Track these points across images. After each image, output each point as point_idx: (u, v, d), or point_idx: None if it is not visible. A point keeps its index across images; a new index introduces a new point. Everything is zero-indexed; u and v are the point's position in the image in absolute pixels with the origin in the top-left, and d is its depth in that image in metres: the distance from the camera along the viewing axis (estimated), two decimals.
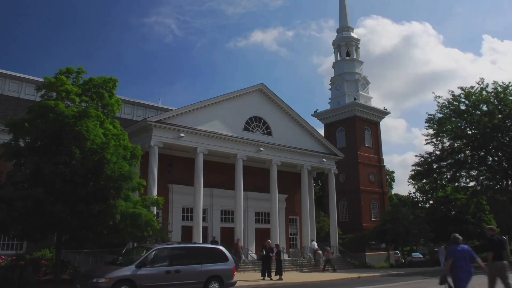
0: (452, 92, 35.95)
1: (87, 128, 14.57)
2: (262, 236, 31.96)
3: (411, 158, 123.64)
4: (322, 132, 44.20)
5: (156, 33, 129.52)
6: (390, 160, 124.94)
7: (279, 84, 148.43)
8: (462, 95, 35.46)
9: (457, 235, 10.16)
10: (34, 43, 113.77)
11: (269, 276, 21.56)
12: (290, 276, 23.74)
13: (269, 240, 24.44)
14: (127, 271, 12.33)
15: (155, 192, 23.94)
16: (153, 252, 13.13)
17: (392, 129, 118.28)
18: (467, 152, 36.90)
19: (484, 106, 34.71)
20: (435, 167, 37.88)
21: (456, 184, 38.48)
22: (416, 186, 44.33)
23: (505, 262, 10.75)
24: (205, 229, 27.66)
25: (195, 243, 18.20)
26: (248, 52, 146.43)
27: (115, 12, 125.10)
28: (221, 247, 15.38)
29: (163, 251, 13.53)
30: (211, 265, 14.03)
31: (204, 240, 26.87)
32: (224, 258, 14.62)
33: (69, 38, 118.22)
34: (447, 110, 36.06)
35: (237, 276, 22.21)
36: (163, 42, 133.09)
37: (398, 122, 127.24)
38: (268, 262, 21.88)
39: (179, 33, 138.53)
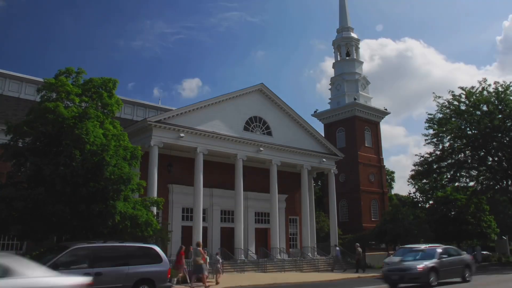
0: (453, 92, 35.97)
1: (87, 131, 14.59)
2: (262, 236, 32.02)
3: (403, 160, 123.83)
4: (322, 132, 44.21)
5: (143, 57, 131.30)
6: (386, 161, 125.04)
7: (278, 84, 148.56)
8: (463, 95, 35.46)
9: None
10: (34, 43, 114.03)
11: None
12: (290, 276, 23.76)
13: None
14: None
15: (155, 192, 23.94)
16: (69, 252, 11.34)
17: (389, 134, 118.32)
18: (467, 152, 36.92)
19: (485, 106, 34.70)
20: (435, 167, 37.88)
21: (456, 184, 38.50)
22: (416, 186, 44.38)
23: None
24: (205, 229, 27.65)
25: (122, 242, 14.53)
26: (242, 59, 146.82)
27: (105, 30, 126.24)
28: (154, 246, 13.56)
29: (82, 250, 11.78)
30: (141, 267, 12.35)
31: (204, 240, 26.88)
32: (158, 259, 12.86)
33: (67, 39, 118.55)
34: (447, 110, 36.05)
35: (236, 276, 22.22)
36: (150, 65, 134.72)
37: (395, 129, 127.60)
38: None
39: (164, 59, 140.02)
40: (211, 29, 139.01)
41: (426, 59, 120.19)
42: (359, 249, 28.93)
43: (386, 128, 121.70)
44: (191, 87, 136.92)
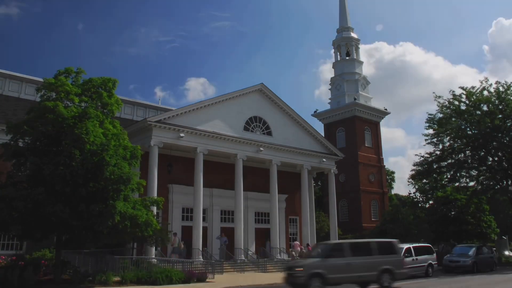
0: (453, 91, 35.96)
1: (87, 131, 14.59)
2: (262, 236, 31.99)
3: (401, 162, 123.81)
4: (322, 132, 44.19)
5: (140, 64, 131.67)
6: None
7: (278, 84, 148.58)
8: (463, 95, 35.43)
9: None
10: (34, 43, 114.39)
11: None
12: None
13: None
14: None
15: (155, 192, 23.92)
16: None
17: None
18: (467, 152, 36.88)
19: (485, 106, 34.68)
20: (435, 167, 37.85)
21: (456, 184, 38.45)
22: (416, 186, 44.32)
23: None
24: (205, 229, 27.65)
25: None
26: (240, 57, 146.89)
27: (101, 36, 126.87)
28: None
29: None
30: None
31: (204, 240, 26.89)
32: None
33: (65, 44, 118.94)
34: (448, 110, 36.02)
35: (236, 276, 22.24)
36: (147, 71, 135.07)
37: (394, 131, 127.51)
38: None
39: (161, 65, 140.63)
40: (204, 38, 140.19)
41: (421, 63, 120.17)
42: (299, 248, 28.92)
43: (382, 130, 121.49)
44: (192, 89, 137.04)
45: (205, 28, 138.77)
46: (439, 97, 36.30)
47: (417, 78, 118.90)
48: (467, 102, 35.34)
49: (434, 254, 25.87)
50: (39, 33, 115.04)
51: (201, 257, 24.82)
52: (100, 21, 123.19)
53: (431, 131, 36.72)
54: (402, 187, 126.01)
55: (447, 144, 36.88)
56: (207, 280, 19.66)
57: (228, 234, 29.34)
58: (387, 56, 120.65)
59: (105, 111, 16.58)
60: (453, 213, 39.15)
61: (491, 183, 37.40)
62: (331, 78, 49.20)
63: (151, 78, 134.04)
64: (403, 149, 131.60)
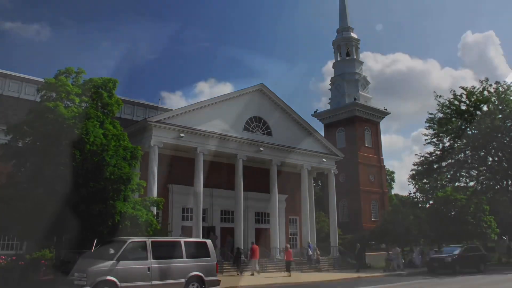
0: (454, 91, 35.96)
1: (87, 131, 14.60)
2: (262, 236, 32.01)
3: (395, 164, 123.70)
4: (322, 132, 44.20)
5: (137, 77, 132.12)
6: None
7: (278, 84, 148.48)
8: (463, 95, 35.44)
9: None
10: (34, 43, 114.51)
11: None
12: (290, 276, 23.74)
13: None
14: None
15: (155, 192, 23.93)
16: None
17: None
18: (467, 152, 36.91)
19: (485, 106, 34.70)
20: (435, 167, 37.86)
21: (457, 184, 38.47)
22: (416, 186, 44.35)
23: None
24: (205, 229, 27.64)
25: None
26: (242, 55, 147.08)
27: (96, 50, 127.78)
28: None
29: None
30: None
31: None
32: None
33: (65, 40, 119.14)
34: (448, 110, 36.03)
35: (238, 276, 22.23)
36: (146, 82, 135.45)
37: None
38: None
39: (154, 80, 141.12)
40: (187, 55, 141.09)
41: (410, 70, 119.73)
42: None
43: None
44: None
45: (187, 47, 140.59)
46: (440, 96, 36.33)
47: (410, 87, 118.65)
48: (467, 102, 35.35)
49: None
50: (67, 49, 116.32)
51: None
52: (94, 37, 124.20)
53: (431, 131, 36.76)
54: (398, 189, 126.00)
55: (447, 144, 36.91)
56: None
57: (228, 234, 29.37)
58: (377, 66, 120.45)
59: (105, 111, 16.58)
60: (453, 213, 39.16)
61: (491, 183, 37.43)
62: (331, 78, 49.22)
63: (152, 83, 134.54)
64: (396, 153, 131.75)
